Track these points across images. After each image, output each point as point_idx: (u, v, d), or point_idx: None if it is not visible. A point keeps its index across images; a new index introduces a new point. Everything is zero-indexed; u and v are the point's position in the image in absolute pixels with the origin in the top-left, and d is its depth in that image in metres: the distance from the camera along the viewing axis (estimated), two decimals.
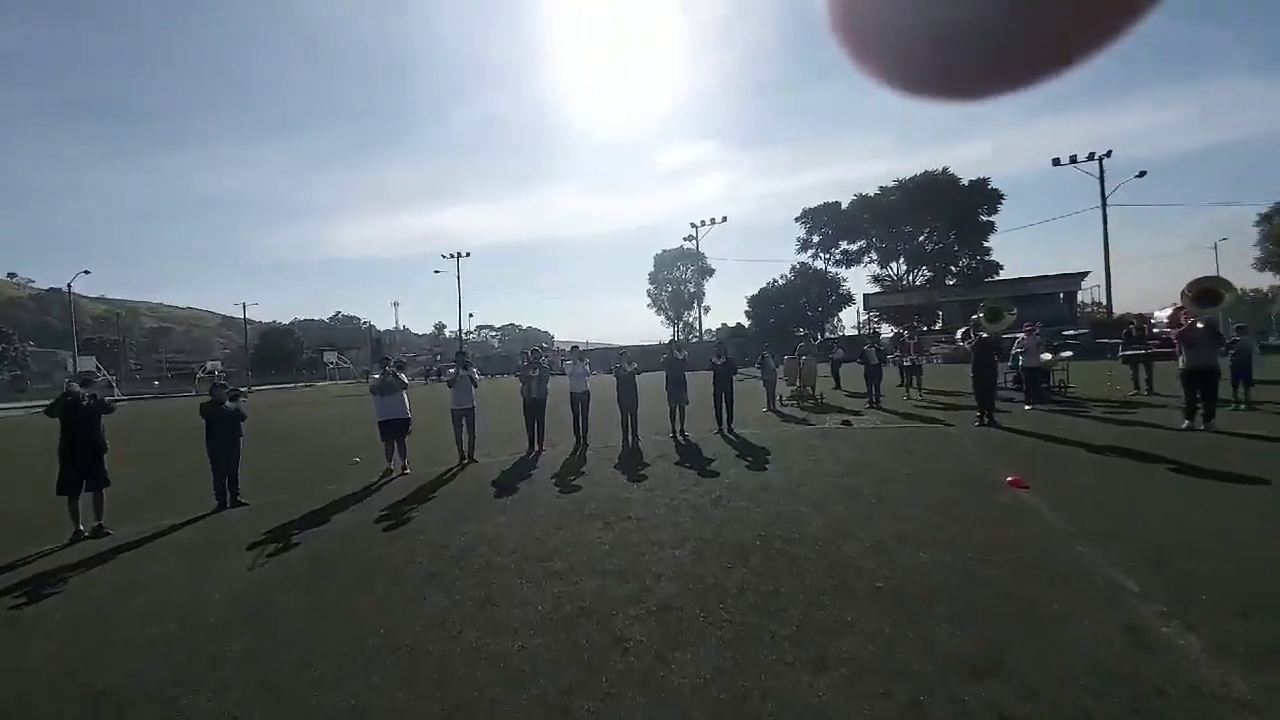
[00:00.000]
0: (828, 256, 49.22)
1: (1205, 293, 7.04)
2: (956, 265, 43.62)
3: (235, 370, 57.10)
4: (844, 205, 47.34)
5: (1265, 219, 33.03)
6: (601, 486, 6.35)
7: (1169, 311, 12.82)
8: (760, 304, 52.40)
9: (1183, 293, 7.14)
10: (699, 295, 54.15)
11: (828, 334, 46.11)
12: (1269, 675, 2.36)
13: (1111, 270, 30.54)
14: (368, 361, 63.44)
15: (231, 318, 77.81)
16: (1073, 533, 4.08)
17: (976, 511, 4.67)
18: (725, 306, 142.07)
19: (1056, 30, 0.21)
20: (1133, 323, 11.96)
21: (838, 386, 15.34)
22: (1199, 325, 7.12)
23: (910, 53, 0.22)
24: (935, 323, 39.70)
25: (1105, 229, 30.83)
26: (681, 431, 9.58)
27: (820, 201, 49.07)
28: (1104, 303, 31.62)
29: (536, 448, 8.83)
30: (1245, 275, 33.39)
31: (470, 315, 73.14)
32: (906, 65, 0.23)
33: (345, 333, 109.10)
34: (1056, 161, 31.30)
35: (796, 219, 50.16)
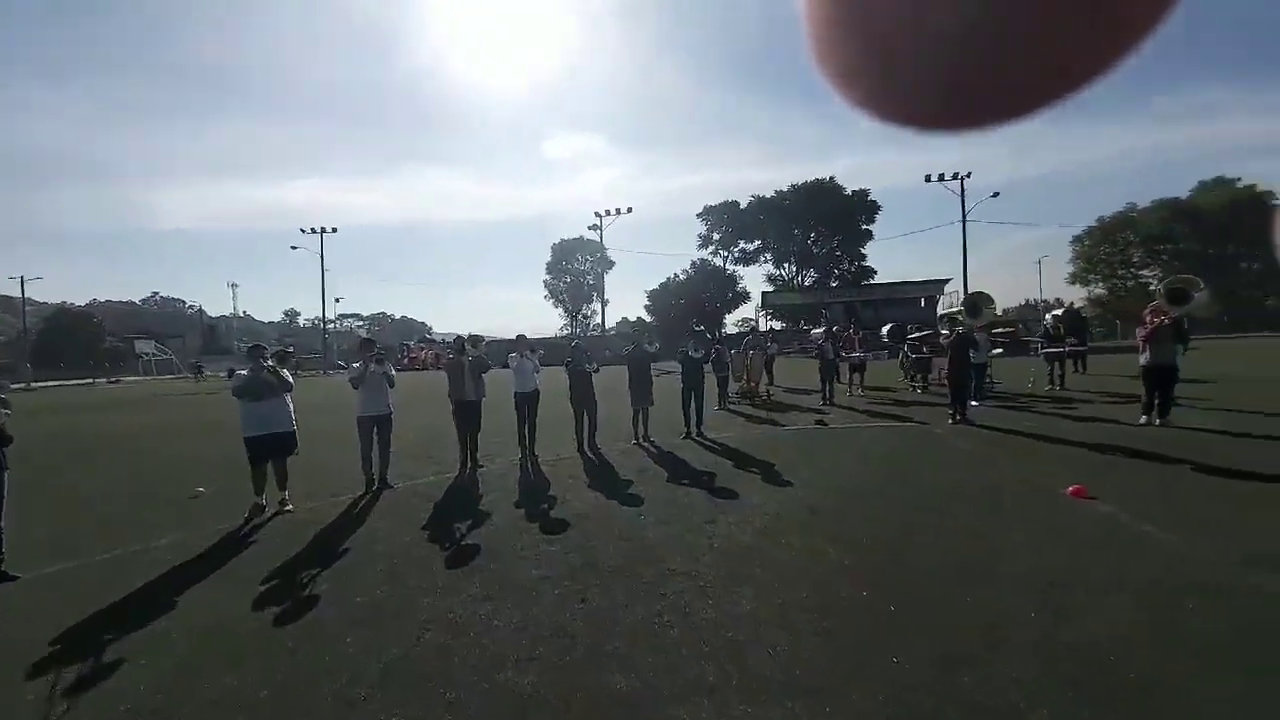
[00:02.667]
0: (727, 254, 50.59)
1: (1176, 292, 7.28)
2: (839, 269, 47.13)
3: (10, 361, 44.44)
4: (742, 205, 48.87)
5: (1078, 240, 39.77)
6: (594, 520, 4.77)
7: (1057, 313, 14.04)
8: (661, 298, 52.54)
9: (1156, 291, 7.33)
10: (599, 288, 52.85)
11: (723, 330, 47.39)
12: None
13: (969, 278, 34.49)
14: (196, 353, 52.99)
15: (7, 297, 60.77)
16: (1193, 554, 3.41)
17: (1094, 540, 3.90)
18: (622, 300, 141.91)
19: (1056, 63, 0.20)
20: (1047, 322, 12.89)
21: (771, 382, 14.96)
22: (1165, 324, 7.33)
23: (897, 86, 0.22)
24: (819, 322, 42.44)
25: (965, 241, 34.79)
26: (646, 437, 8.20)
27: (701, 204, 50.37)
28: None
29: (470, 464, 6.92)
30: (1060, 288, 40.32)
31: (337, 300, 64.58)
32: (893, 98, 0.22)
33: (164, 318, 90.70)
34: (928, 178, 34.63)
35: (698, 215, 50.98)
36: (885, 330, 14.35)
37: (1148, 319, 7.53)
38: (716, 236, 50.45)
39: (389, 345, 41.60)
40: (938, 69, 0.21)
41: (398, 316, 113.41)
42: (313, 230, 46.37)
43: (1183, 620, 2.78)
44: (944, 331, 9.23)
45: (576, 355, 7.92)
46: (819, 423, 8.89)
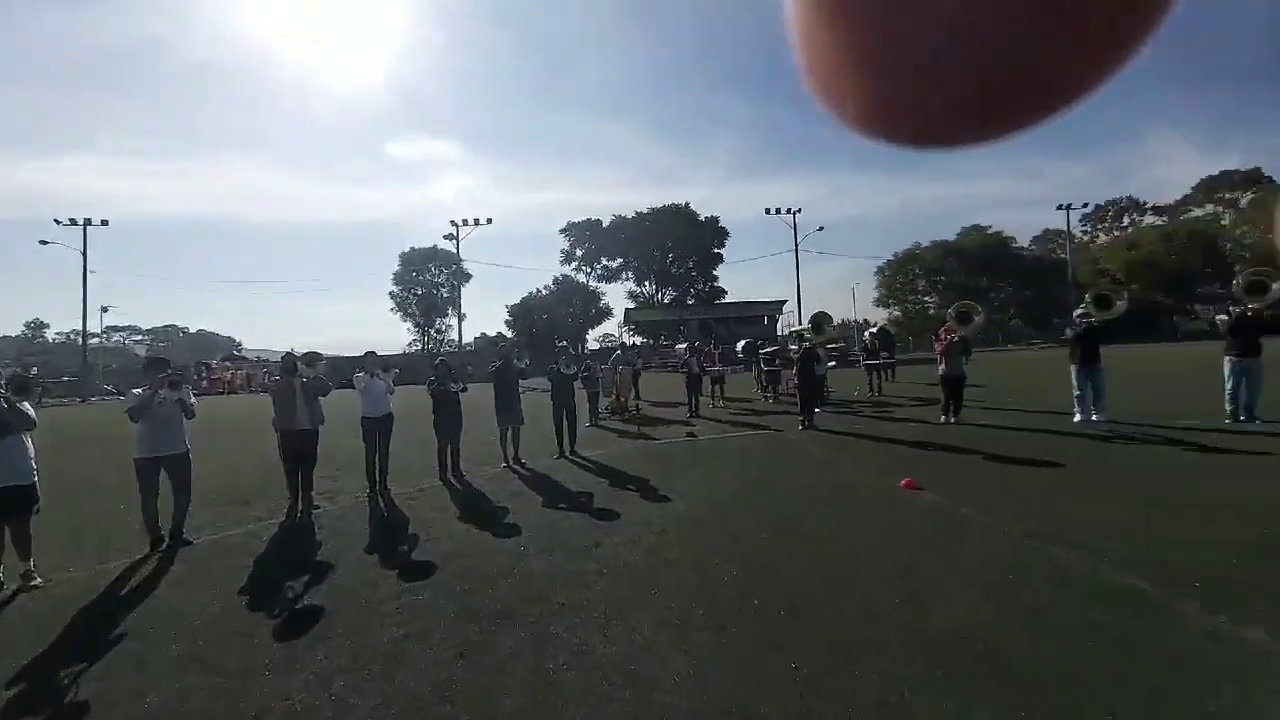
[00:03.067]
0: (590, 271, 51.16)
1: (963, 314, 8.88)
2: (695, 288, 50.40)
3: None
4: (605, 224, 49.94)
5: (880, 270, 47.65)
6: (467, 558, 4.27)
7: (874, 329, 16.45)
8: (523, 314, 51.25)
9: (948, 314, 8.89)
10: (456, 301, 49.86)
11: (588, 346, 47.70)
12: None
13: (802, 299, 39.18)
14: None
15: None
16: (1028, 532, 4.11)
17: (928, 527, 4.45)
18: (480, 315, 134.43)
19: (1049, 77, 0.20)
20: (866, 339, 14.98)
21: (638, 396, 15.26)
22: (955, 340, 8.89)
23: (888, 103, 0.22)
24: (678, 337, 44.85)
25: (798, 267, 39.50)
26: (517, 459, 7.72)
27: (564, 219, 50.67)
28: (797, 324, 40.38)
29: (302, 506, 5.86)
30: (869, 310, 47.95)
31: (105, 310, 51.88)
32: (886, 116, 0.22)
33: None
34: (768, 210, 38.80)
35: (561, 231, 50.95)
36: (740, 346, 15.52)
37: (942, 336, 9.10)
38: (580, 253, 50.86)
39: (182, 365, 33.87)
40: (932, 84, 0.20)
41: (193, 330, 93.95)
42: (72, 221, 37.18)
43: (1012, 595, 3.25)
44: (793, 347, 10.25)
45: (441, 374, 7.20)
46: (689, 435, 9.19)
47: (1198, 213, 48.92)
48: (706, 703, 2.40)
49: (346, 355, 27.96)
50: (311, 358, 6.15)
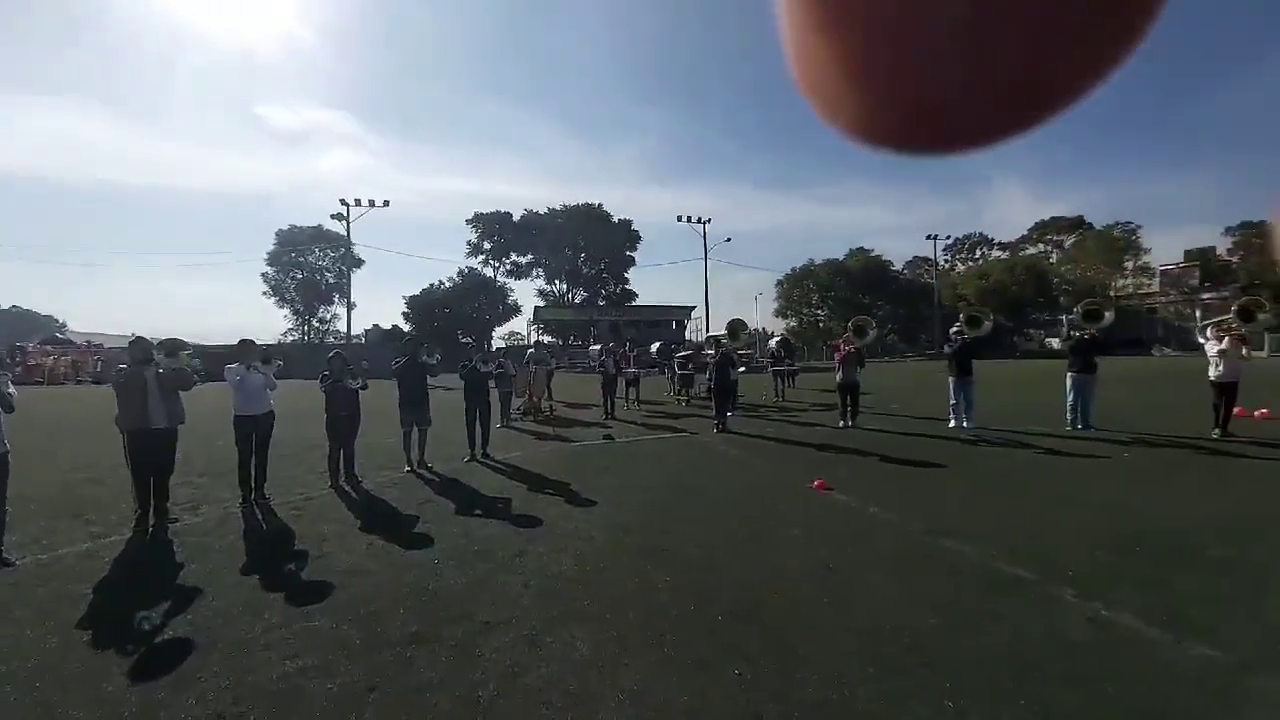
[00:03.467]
0: (498, 265, 49.21)
1: (859, 328, 9.61)
2: (606, 289, 50.37)
3: None
4: (515, 218, 48.35)
5: (780, 283, 50.88)
6: (370, 576, 3.81)
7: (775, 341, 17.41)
8: (422, 305, 48.10)
9: (847, 326, 9.59)
10: (344, 288, 45.68)
11: (492, 342, 45.90)
12: None
13: (710, 306, 40.63)
14: None
15: None
16: (924, 530, 4.47)
17: (841, 525, 4.69)
18: (372, 305, 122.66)
19: (1038, 82, 0.20)
20: (772, 346, 15.79)
21: (550, 397, 14.87)
22: (851, 351, 9.61)
23: (883, 108, 0.22)
24: (588, 338, 44.61)
25: (706, 275, 40.94)
26: (422, 462, 7.13)
27: (471, 209, 48.31)
28: (705, 329, 41.81)
29: (155, 519, 4.96)
30: (770, 320, 51.05)
31: None
32: (879, 122, 0.22)
33: None
34: (679, 218, 39.84)
35: (468, 221, 48.47)
36: (654, 348, 15.69)
37: (840, 347, 9.81)
38: (488, 246, 48.74)
39: None
40: (925, 89, 0.20)
41: (4, 306, 77.48)
42: None
43: (922, 588, 3.49)
44: (709, 351, 10.52)
45: (336, 368, 6.43)
46: (606, 437, 9.06)
47: (1032, 250, 57.88)
48: (654, 718, 2.29)
49: (213, 345, 24.46)
50: (172, 345, 5.20)
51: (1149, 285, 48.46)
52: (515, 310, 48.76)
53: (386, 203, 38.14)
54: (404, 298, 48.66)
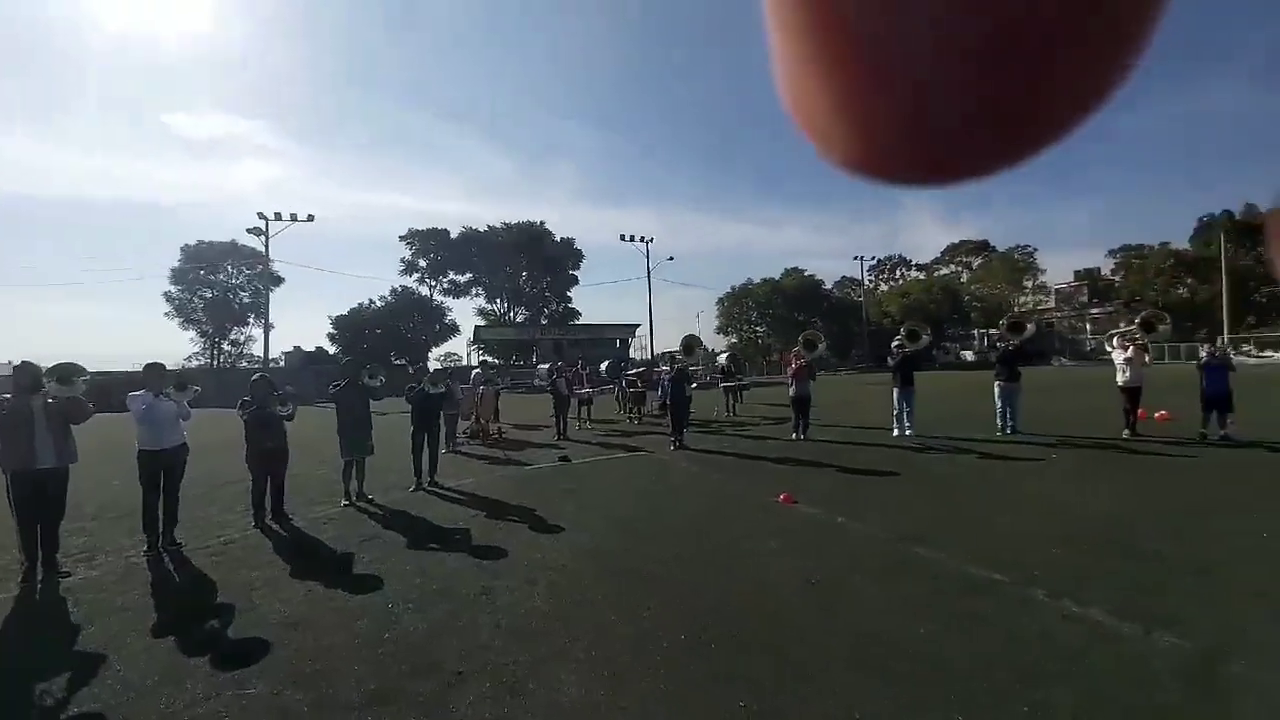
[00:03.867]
0: (434, 284, 47.39)
1: (809, 342, 9.87)
2: (549, 308, 49.66)
3: None
4: (453, 235, 46.92)
5: (720, 301, 52.25)
6: (311, 628, 3.36)
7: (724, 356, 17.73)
8: (350, 326, 45.49)
9: (799, 341, 9.83)
10: (261, 307, 42.39)
11: (431, 363, 43.97)
12: None
13: (655, 324, 41.05)
14: None
15: None
16: (893, 536, 4.52)
17: (814, 537, 4.67)
18: (293, 326, 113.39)
19: (1047, 108, 0.20)
20: (723, 362, 16.00)
21: (498, 419, 14.29)
22: (803, 365, 9.86)
23: (877, 142, 0.22)
24: (531, 358, 43.69)
25: (650, 292, 41.39)
26: (361, 494, 6.54)
27: (404, 226, 46.21)
28: (650, 348, 42.08)
29: (42, 573, 4.23)
30: (711, 338, 52.25)
31: None
32: (874, 155, 0.23)
33: None
34: (623, 237, 40.13)
35: (401, 238, 46.50)
36: (604, 367, 15.49)
37: (792, 361, 10.05)
38: (423, 264, 46.87)
39: None
40: (920, 122, 0.20)
41: None
42: None
43: (901, 592, 3.48)
44: (664, 367, 10.48)
45: (260, 393, 5.79)
46: (562, 459, 8.72)
47: (945, 271, 62.97)
48: None
49: (102, 371, 21.84)
50: (65, 370, 4.48)
51: (1046, 302, 53.80)
52: (453, 330, 47.06)
53: (311, 217, 35.96)
54: (330, 317, 45.90)
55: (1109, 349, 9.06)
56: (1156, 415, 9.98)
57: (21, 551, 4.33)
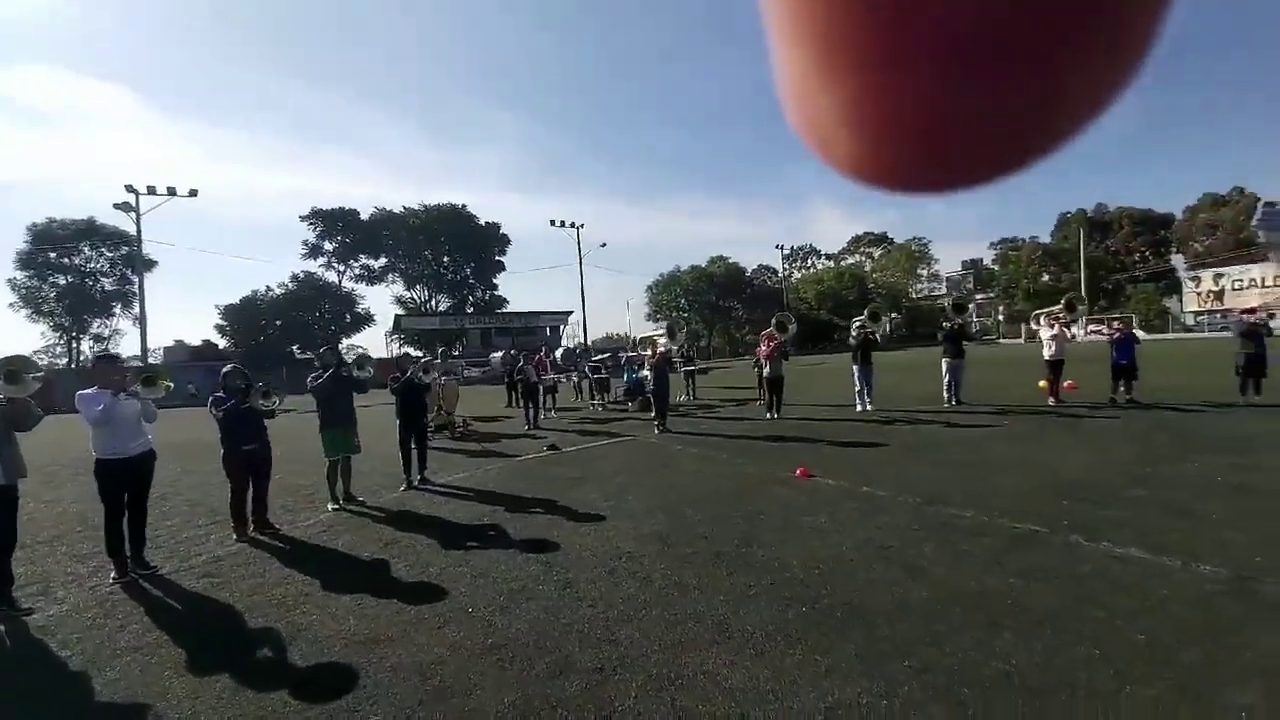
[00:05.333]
0: (344, 269, 43.55)
1: (780, 324, 10.22)
2: (473, 296, 47.42)
3: None
4: (364, 215, 43.27)
5: (650, 289, 52.81)
6: (378, 646, 3.02)
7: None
8: (242, 316, 40.81)
9: (773, 323, 10.16)
10: (130, 296, 36.80)
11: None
12: None
13: (589, 310, 40.55)
14: None
15: None
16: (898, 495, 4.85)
17: (854, 507, 4.89)
18: (170, 317, 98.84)
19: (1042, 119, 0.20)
20: (684, 347, 16.17)
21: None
22: (776, 345, 10.23)
23: (880, 149, 0.22)
24: (456, 347, 41.66)
25: (581, 278, 40.79)
26: (349, 495, 5.95)
27: (296, 210, 42.00)
28: (584, 334, 41.61)
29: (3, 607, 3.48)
30: (641, 324, 52.72)
31: None
32: (876, 161, 0.22)
33: None
34: (552, 223, 39.14)
35: (304, 218, 42.17)
36: (559, 354, 15.11)
37: (765, 343, 10.39)
38: (330, 247, 42.89)
39: None
40: (924, 130, 0.20)
41: None
42: None
43: (962, 551, 3.75)
44: (646, 352, 10.41)
45: (236, 386, 5.04)
46: (550, 448, 8.44)
47: (850, 260, 67.90)
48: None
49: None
50: (14, 364, 3.61)
51: (938, 289, 59.69)
52: (367, 320, 43.67)
53: (193, 192, 31.63)
54: (218, 307, 40.91)
55: (1035, 327, 10.24)
56: (1065, 384, 11.48)
57: None
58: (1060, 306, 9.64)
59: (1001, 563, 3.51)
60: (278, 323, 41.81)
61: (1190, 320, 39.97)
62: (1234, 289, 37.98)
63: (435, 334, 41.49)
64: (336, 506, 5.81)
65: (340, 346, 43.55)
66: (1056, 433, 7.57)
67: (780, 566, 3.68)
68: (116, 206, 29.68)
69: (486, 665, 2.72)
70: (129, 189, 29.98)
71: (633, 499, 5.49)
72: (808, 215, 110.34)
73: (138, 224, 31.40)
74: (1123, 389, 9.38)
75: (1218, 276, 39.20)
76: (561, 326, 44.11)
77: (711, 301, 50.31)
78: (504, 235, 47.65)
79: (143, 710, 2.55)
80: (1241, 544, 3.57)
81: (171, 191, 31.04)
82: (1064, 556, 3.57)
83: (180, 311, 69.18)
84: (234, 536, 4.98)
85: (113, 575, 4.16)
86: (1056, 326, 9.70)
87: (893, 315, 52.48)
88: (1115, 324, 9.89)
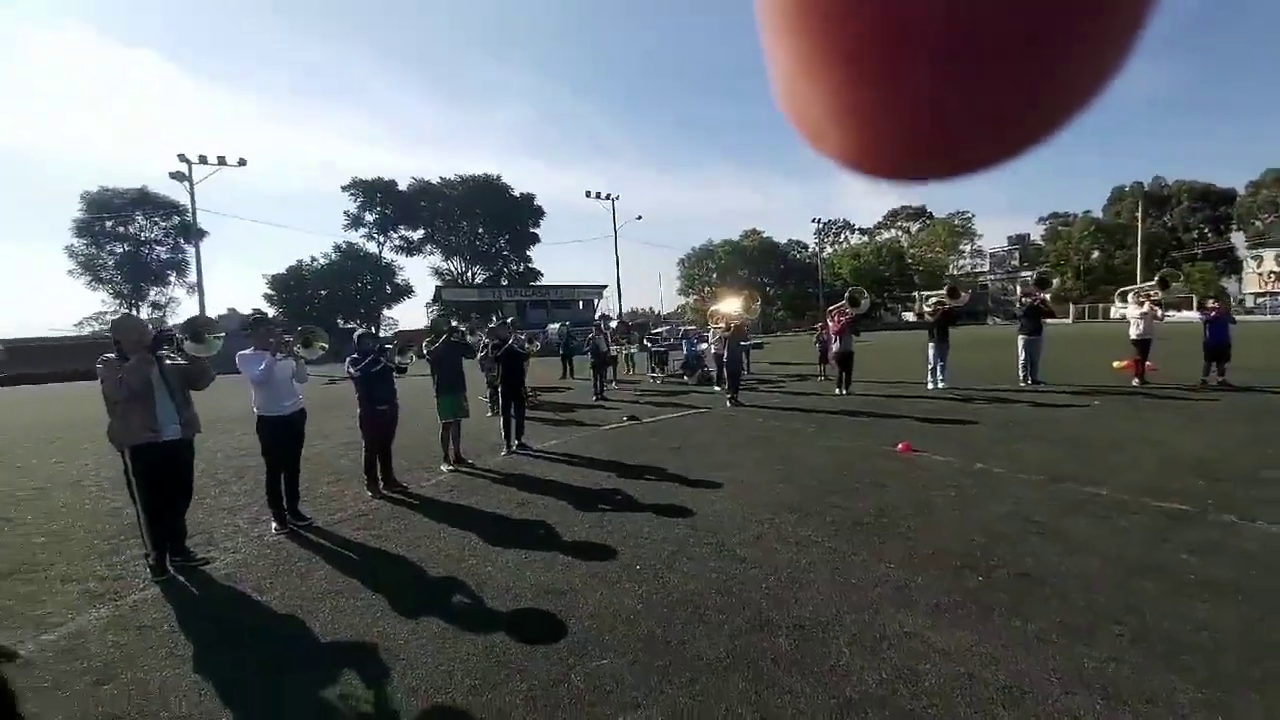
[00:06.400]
0: (384, 240, 44.19)
1: (853, 298, 10.06)
2: (509, 268, 47.74)
3: None
4: (402, 187, 43.59)
5: (682, 262, 52.37)
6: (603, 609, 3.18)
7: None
8: (289, 286, 41.96)
9: (846, 296, 10.01)
10: (182, 264, 38.13)
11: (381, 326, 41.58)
12: None
13: (622, 283, 40.53)
14: None
15: None
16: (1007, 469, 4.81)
17: (975, 482, 4.88)
18: (222, 284, 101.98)
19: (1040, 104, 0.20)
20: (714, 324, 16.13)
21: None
22: (848, 321, 10.09)
23: (874, 140, 0.22)
24: (493, 318, 42.15)
25: (616, 251, 40.66)
26: (460, 458, 6.20)
27: (327, 180, 42.54)
28: (618, 307, 41.66)
29: (166, 567, 3.75)
30: (673, 298, 52.62)
31: None
32: (871, 153, 0.22)
33: None
34: (588, 194, 38.83)
35: (345, 188, 42.75)
36: (613, 327, 15.21)
37: (836, 318, 10.26)
38: (370, 218, 43.51)
39: None
40: (917, 120, 0.21)
41: None
42: None
43: (1110, 528, 3.73)
44: (720, 325, 10.40)
45: (372, 348, 5.25)
46: (630, 418, 8.59)
47: (885, 235, 65.93)
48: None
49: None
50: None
51: (981, 265, 57.78)
52: (407, 291, 44.46)
53: (243, 161, 32.30)
54: (265, 277, 42.09)
55: (1123, 305, 9.88)
56: (1147, 366, 11.10)
57: (148, 539, 3.77)
58: (1154, 283, 9.26)
59: (1167, 539, 3.49)
60: (323, 292, 42.87)
61: (1250, 302, 38.00)
62: None
63: (473, 306, 42.03)
64: (450, 467, 6.05)
65: (380, 318, 44.59)
66: (1156, 414, 7.36)
67: (933, 537, 3.72)
68: (172, 176, 30.48)
69: (685, 616, 2.85)
70: (182, 158, 30.71)
71: (744, 469, 5.58)
72: (832, 188, 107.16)
73: (191, 193, 32.21)
74: (1214, 371, 9.04)
75: None
76: (596, 300, 44.18)
77: (746, 276, 49.65)
78: (538, 207, 47.59)
79: (373, 648, 2.76)
80: None
81: (222, 161, 31.70)
82: (1226, 533, 3.53)
83: (227, 279, 71.30)
84: (368, 494, 5.25)
85: (274, 526, 4.45)
86: (1147, 304, 9.33)
87: (929, 294, 51.15)
88: (1211, 303, 9.45)
